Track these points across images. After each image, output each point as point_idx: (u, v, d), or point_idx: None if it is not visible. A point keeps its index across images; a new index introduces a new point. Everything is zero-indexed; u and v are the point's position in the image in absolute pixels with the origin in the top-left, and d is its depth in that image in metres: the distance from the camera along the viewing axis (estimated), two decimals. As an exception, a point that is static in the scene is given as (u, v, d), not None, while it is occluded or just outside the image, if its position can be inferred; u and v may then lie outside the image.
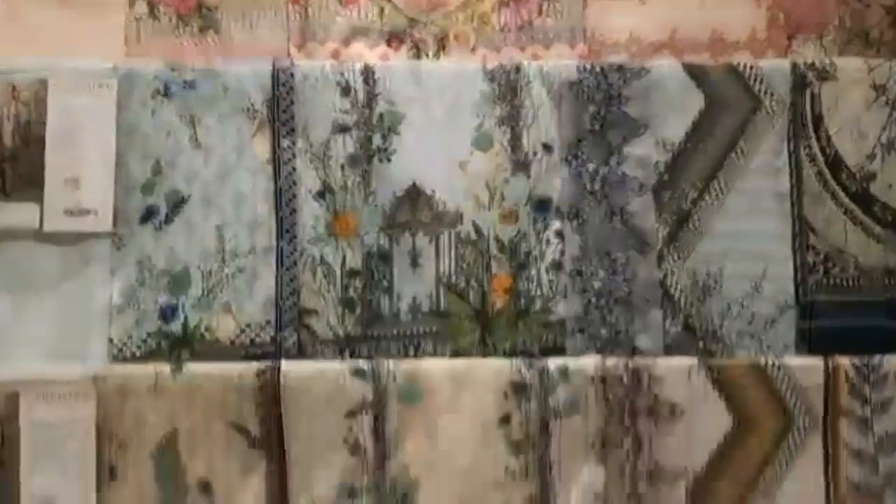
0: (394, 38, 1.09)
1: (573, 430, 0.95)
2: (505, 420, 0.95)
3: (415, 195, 1.01)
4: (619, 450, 0.95)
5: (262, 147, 1.02)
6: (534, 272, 1.01)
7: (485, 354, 0.99)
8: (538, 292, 1.01)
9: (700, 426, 0.95)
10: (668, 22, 1.09)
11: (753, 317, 1.00)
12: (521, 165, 1.02)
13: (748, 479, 0.95)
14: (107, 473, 0.94)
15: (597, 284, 1.00)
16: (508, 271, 1.01)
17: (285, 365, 0.96)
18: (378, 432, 0.95)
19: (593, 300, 1.00)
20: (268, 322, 0.99)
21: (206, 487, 0.94)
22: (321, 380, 0.95)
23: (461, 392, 0.96)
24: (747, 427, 0.96)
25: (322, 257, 1.00)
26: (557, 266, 1.01)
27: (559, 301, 1.00)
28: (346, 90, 1.02)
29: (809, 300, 1.00)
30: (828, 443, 0.96)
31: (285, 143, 1.01)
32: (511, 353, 0.99)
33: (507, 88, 1.02)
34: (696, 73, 1.03)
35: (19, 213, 0.99)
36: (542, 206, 1.02)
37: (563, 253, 1.01)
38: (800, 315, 1.00)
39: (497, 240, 1.01)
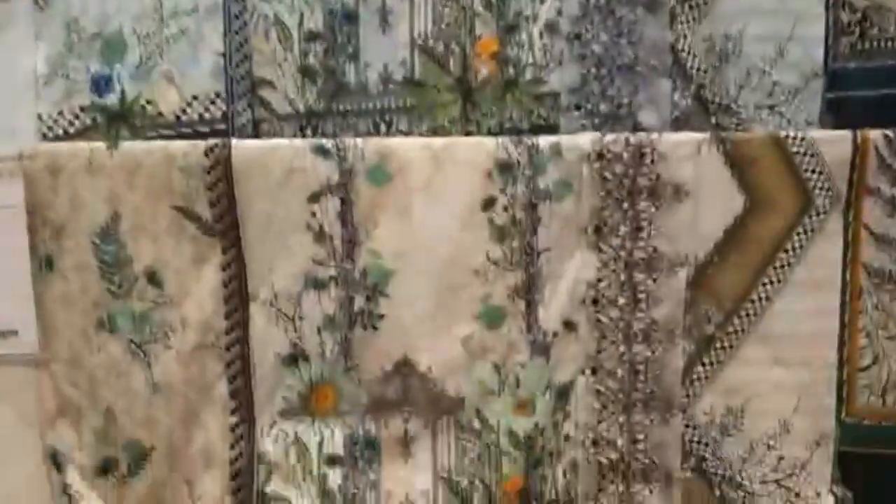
0: None
1: (564, 214, 0.85)
2: (488, 203, 0.85)
3: (383, -61, 0.86)
4: (614, 235, 0.85)
5: None
6: (524, 35, 0.87)
7: (466, 132, 0.87)
8: (529, 59, 0.87)
9: (707, 208, 0.85)
10: None
11: (774, 87, 0.87)
12: None
13: (758, 266, 0.86)
14: (43, 264, 0.85)
15: (597, 49, 0.87)
16: (495, 33, 0.87)
17: (237, 142, 0.84)
18: (345, 217, 0.84)
19: (593, 69, 0.87)
20: (217, 95, 0.86)
21: (153, 277, 0.85)
22: (279, 159, 0.83)
23: (438, 172, 0.84)
24: (760, 208, 0.85)
25: (276, 17, 0.86)
26: (553, 28, 0.86)
27: (553, 69, 0.87)
28: None
29: (840, 66, 0.87)
30: (849, 225, 0.86)
31: None
32: (497, 131, 0.87)
33: None
34: None
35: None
36: (534, -47, 0.86)
37: (559, 12, 0.86)
38: (828, 84, 0.87)
39: (481, -5, 0.86)
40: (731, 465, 0.88)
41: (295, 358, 0.85)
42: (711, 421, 0.89)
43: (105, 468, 0.87)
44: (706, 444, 0.89)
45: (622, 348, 0.86)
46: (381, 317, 0.85)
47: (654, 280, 0.85)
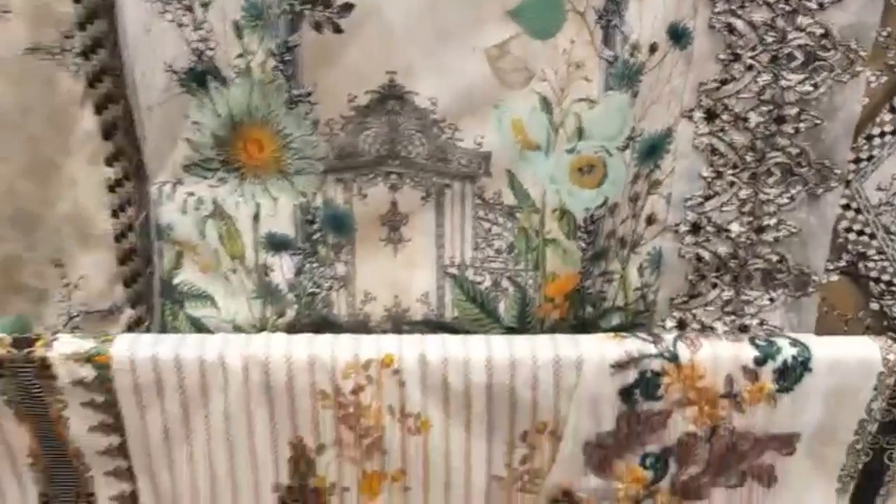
0: None
1: None
2: None
3: None
4: None
5: None
6: None
7: None
8: None
9: None
10: None
11: None
12: None
13: None
14: None
15: None
16: None
17: None
18: None
19: None
20: None
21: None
22: None
23: None
24: None
25: None
26: None
27: None
28: None
29: None
30: None
31: None
32: None
33: None
34: None
35: None
36: None
37: None
38: None
39: None
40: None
41: (201, 76, 0.50)
42: (889, 202, 0.55)
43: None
44: (871, 236, 0.56)
45: (763, 77, 0.50)
46: (350, 7, 0.48)
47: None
